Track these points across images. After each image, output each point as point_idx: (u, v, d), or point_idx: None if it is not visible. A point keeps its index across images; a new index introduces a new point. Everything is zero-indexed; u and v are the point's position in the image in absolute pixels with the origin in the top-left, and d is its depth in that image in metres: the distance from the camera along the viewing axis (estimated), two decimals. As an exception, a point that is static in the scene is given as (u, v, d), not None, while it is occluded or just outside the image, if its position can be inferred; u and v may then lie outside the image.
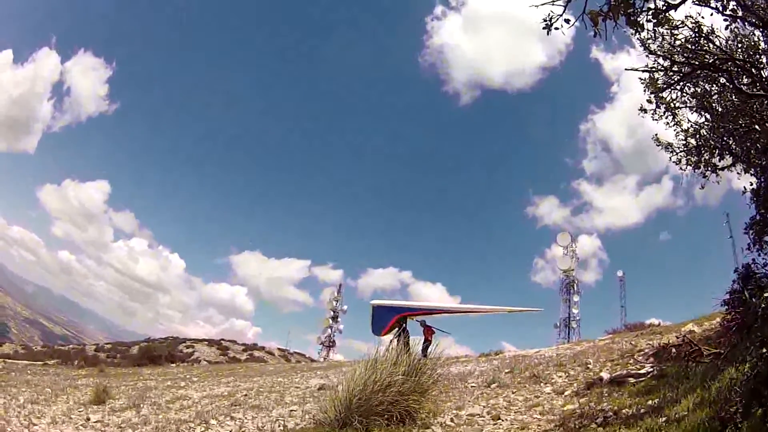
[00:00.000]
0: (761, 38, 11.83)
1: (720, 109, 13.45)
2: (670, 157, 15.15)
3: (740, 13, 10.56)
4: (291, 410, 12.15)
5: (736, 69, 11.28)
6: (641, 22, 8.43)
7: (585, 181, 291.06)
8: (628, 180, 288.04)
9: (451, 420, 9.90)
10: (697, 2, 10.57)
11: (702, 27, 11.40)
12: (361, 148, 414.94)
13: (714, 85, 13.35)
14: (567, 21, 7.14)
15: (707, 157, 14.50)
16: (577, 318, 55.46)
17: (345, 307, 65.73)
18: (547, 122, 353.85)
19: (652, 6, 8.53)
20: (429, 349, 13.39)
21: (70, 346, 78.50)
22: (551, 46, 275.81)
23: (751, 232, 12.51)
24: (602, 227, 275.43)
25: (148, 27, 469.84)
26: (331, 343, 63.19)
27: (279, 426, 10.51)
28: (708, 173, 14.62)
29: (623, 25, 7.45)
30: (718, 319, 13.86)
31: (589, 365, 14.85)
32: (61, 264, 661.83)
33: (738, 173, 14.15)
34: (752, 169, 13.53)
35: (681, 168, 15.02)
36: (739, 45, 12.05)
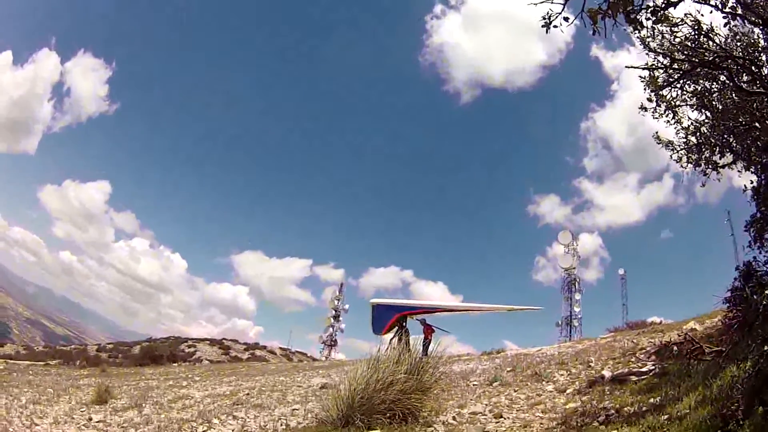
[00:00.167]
0: (760, 36, 11.84)
1: (720, 107, 13.45)
2: (671, 155, 15.14)
3: (739, 11, 10.55)
4: (293, 409, 12.17)
5: (735, 67, 11.27)
6: (640, 20, 8.43)
7: (586, 180, 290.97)
8: (629, 178, 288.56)
9: (453, 418, 9.92)
10: (696, 0, 10.58)
11: (701, 25, 11.38)
12: (361, 147, 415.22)
13: (714, 83, 13.34)
14: (566, 19, 7.17)
15: (708, 155, 14.49)
16: (579, 316, 55.41)
17: (347, 306, 65.62)
18: (548, 120, 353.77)
19: (651, 4, 8.55)
20: (429, 348, 13.41)
21: (72, 346, 78.46)
22: (551, 45, 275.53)
23: (751, 229, 12.53)
24: (603, 225, 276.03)
25: (148, 27, 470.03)
26: (332, 342, 63.12)
27: (281, 425, 10.54)
28: (709, 171, 14.60)
29: (623, 23, 7.46)
30: (720, 317, 13.90)
31: (590, 363, 14.85)
32: (63, 265, 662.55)
33: (738, 171, 14.14)
34: (753, 167, 13.54)
35: (682, 166, 15.00)
36: (739, 43, 12.06)
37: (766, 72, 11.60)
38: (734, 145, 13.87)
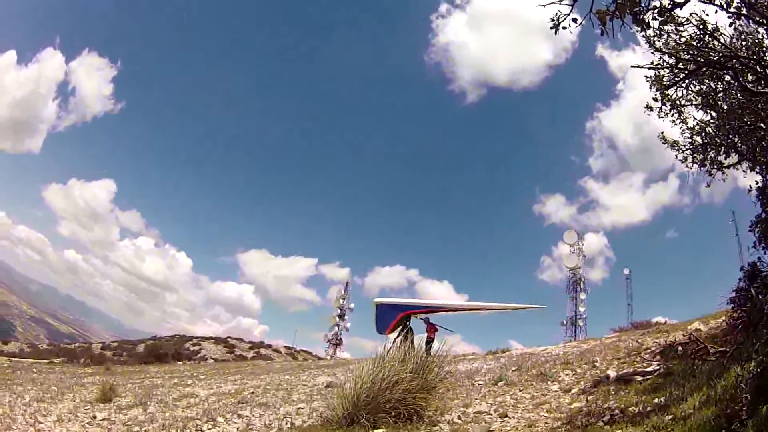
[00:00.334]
0: (765, 35, 11.81)
1: (725, 107, 13.42)
2: (676, 155, 15.12)
3: (744, 11, 10.54)
4: (298, 408, 12.20)
5: (740, 66, 11.26)
6: (647, 20, 8.44)
7: (591, 179, 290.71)
8: (635, 178, 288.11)
9: (459, 417, 9.95)
10: (701, 0, 10.57)
11: (707, 25, 11.37)
12: (366, 147, 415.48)
13: (719, 83, 13.32)
14: (575, 20, 7.18)
15: (713, 155, 14.47)
16: (584, 316, 55.44)
17: (352, 305, 65.77)
18: (553, 120, 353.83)
19: (657, 4, 8.55)
20: (432, 347, 13.42)
21: (76, 344, 78.61)
22: (557, 44, 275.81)
23: (756, 230, 12.50)
24: (609, 225, 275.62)
25: (148, 27, 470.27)
26: (338, 341, 63.22)
27: (286, 423, 10.56)
28: (714, 171, 14.58)
29: (629, 23, 7.47)
30: (724, 318, 13.88)
31: (595, 363, 14.86)
32: (68, 263, 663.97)
33: (744, 171, 14.12)
34: (758, 167, 13.51)
35: (687, 166, 14.98)
36: (744, 42, 12.03)
37: (771, 72, 11.59)
38: (739, 145, 13.85)
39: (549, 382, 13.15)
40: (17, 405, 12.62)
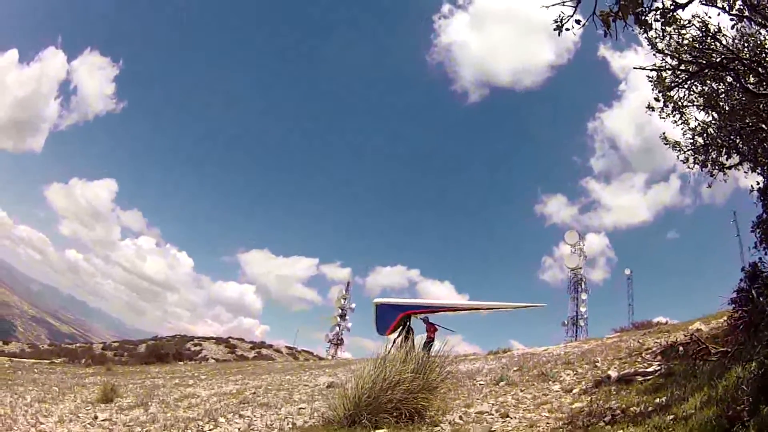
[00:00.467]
0: (767, 37, 11.84)
1: (727, 108, 13.44)
2: (678, 156, 15.14)
3: (746, 13, 10.57)
4: (300, 408, 12.21)
5: (742, 68, 11.28)
6: (649, 22, 8.46)
7: (593, 180, 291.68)
8: (636, 178, 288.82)
9: (460, 417, 9.96)
10: (704, 2, 10.59)
11: (709, 26, 11.40)
12: (366, 147, 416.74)
13: (721, 84, 13.34)
14: (578, 22, 7.18)
15: (714, 156, 14.48)
16: (585, 316, 55.44)
17: (353, 305, 65.72)
18: (555, 120, 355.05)
19: (659, 5, 8.58)
20: (432, 347, 13.42)
21: (77, 344, 78.74)
22: (559, 45, 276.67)
23: (757, 231, 12.54)
24: (610, 225, 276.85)
25: (148, 27, 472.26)
26: (339, 341, 63.21)
27: (288, 424, 10.57)
28: (715, 172, 14.60)
29: (631, 24, 7.48)
30: (726, 318, 13.89)
31: (597, 363, 14.87)
32: (69, 263, 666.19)
33: (745, 172, 14.14)
34: (759, 168, 13.54)
35: (688, 167, 15.00)
36: (746, 44, 12.05)
37: (773, 73, 11.61)
38: (741, 146, 13.87)
39: (550, 383, 13.16)
40: (18, 405, 12.62)
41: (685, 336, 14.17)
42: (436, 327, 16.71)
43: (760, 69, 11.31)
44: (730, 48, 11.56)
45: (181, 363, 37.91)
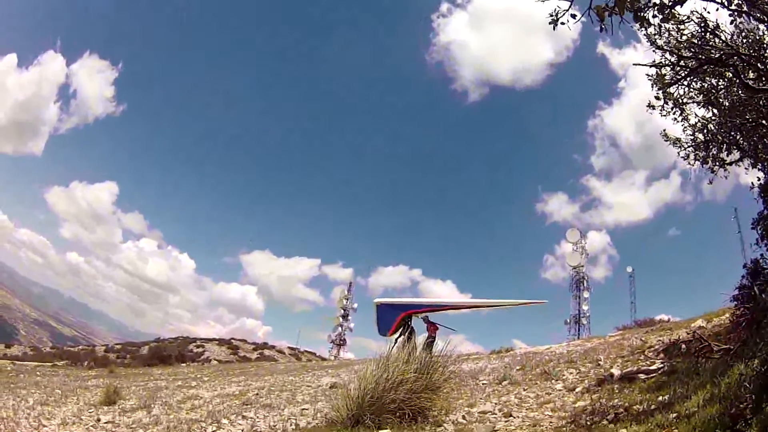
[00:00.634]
0: (766, 33, 11.82)
1: (727, 104, 13.42)
2: (678, 153, 15.12)
3: (745, 8, 10.55)
4: (303, 409, 12.19)
5: (742, 64, 11.26)
6: (647, 18, 8.43)
7: (594, 177, 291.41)
8: (637, 176, 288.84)
9: (463, 417, 9.94)
10: (702, -3, 10.58)
11: (708, 22, 11.39)
12: (366, 147, 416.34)
13: (721, 80, 13.32)
14: (573, 16, 7.17)
15: (715, 153, 14.47)
16: (587, 314, 55.29)
17: (355, 306, 65.70)
18: (555, 118, 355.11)
19: (657, 1, 8.55)
20: (433, 346, 13.39)
21: (80, 347, 78.60)
22: (558, 42, 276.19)
23: (758, 227, 12.54)
24: (611, 223, 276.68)
25: (148, 27, 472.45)
26: (342, 342, 63.21)
27: (291, 425, 10.56)
28: (716, 168, 14.58)
29: (629, 21, 7.46)
30: (728, 315, 13.89)
31: (599, 362, 14.86)
32: (70, 266, 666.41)
33: (746, 168, 14.14)
34: (760, 164, 13.53)
35: (689, 163, 14.98)
36: (745, 40, 12.04)
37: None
38: (741, 142, 13.85)
39: (553, 381, 13.16)
40: (21, 408, 12.60)
41: (688, 333, 14.17)
42: (437, 326, 16.68)
43: (759, 65, 11.29)
44: (729, 44, 11.55)
45: (184, 365, 37.98)
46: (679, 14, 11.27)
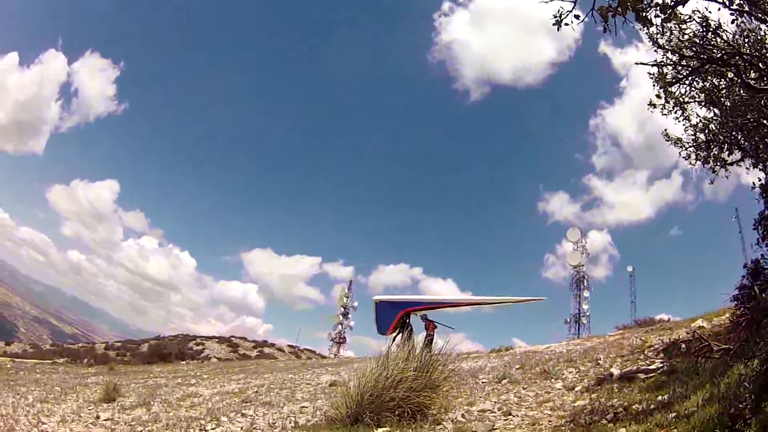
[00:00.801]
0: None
1: (728, 104, 13.42)
2: (680, 152, 15.13)
3: (746, 8, 10.54)
4: (302, 407, 12.19)
5: (743, 63, 11.25)
6: (649, 18, 8.42)
7: (595, 177, 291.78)
8: (639, 175, 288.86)
9: (463, 416, 9.94)
10: (704, -3, 10.58)
11: (709, 22, 11.39)
12: (366, 147, 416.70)
13: (722, 80, 13.32)
14: (577, 17, 7.16)
15: (716, 152, 14.47)
16: (588, 314, 55.36)
17: (356, 304, 65.80)
18: (557, 118, 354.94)
19: (660, 1, 8.54)
20: (432, 344, 13.39)
21: (80, 344, 78.79)
22: (560, 42, 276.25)
23: (759, 227, 12.52)
24: (612, 222, 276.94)
25: (148, 27, 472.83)
26: (341, 340, 63.27)
27: (290, 422, 10.54)
28: (717, 168, 14.58)
29: (631, 20, 7.45)
30: (728, 315, 13.88)
31: (599, 361, 14.86)
32: (71, 264, 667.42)
33: (747, 168, 14.14)
34: (761, 164, 13.52)
35: (690, 163, 14.98)
36: (747, 40, 12.03)
37: (774, 69, 11.58)
38: (742, 142, 13.85)
39: (553, 380, 13.16)
40: (21, 406, 12.59)
41: (688, 333, 14.15)
42: (436, 324, 16.65)
43: (761, 65, 11.28)
44: (731, 43, 11.55)
45: (184, 362, 37.99)
46: (681, 14, 11.28)
